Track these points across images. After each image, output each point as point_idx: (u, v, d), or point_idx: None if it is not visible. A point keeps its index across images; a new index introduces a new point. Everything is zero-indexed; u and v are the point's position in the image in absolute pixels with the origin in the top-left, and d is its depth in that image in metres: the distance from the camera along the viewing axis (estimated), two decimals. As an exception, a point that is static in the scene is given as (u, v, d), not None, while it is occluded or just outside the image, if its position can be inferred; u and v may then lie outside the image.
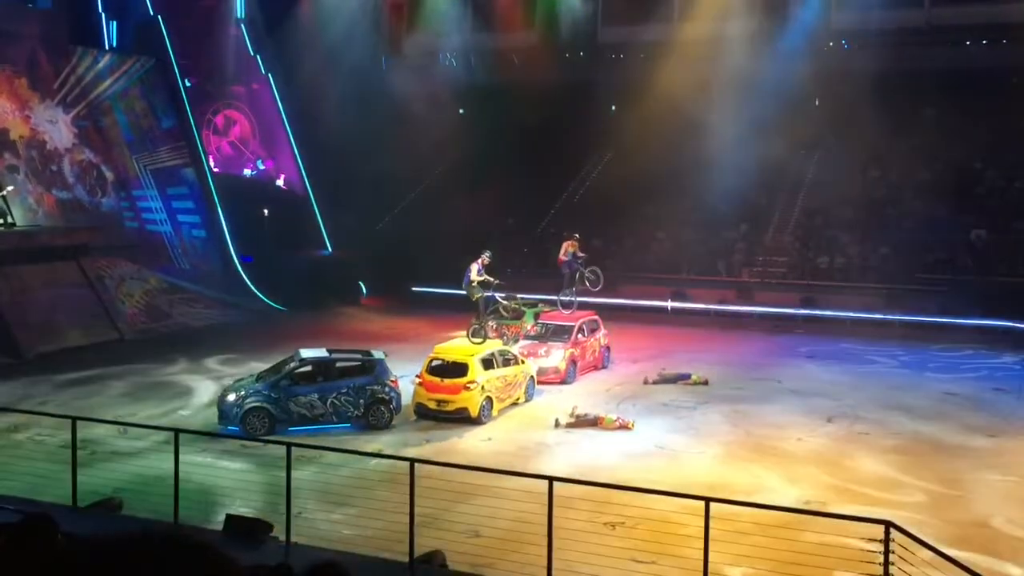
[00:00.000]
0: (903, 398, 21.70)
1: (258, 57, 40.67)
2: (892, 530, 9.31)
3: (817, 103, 37.66)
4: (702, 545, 9.76)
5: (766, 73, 36.61)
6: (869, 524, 9.74)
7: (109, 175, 33.70)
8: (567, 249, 23.62)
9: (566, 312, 24.25)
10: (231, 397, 18.65)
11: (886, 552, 9.27)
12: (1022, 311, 28.57)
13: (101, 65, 34.15)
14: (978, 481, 15.97)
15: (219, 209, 35.54)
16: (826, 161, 37.79)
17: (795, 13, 39.26)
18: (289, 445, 11.68)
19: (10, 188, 29.62)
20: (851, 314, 30.74)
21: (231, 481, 14.73)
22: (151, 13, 36.31)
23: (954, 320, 29.45)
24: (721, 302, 32.88)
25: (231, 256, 35.34)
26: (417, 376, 20.14)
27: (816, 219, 35.75)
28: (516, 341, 24.37)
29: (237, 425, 18.32)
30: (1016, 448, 17.94)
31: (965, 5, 37.07)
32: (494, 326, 23.47)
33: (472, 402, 19.23)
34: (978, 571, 9.33)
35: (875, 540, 9.44)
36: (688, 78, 37.05)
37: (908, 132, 36.78)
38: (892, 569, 9.30)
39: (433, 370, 19.90)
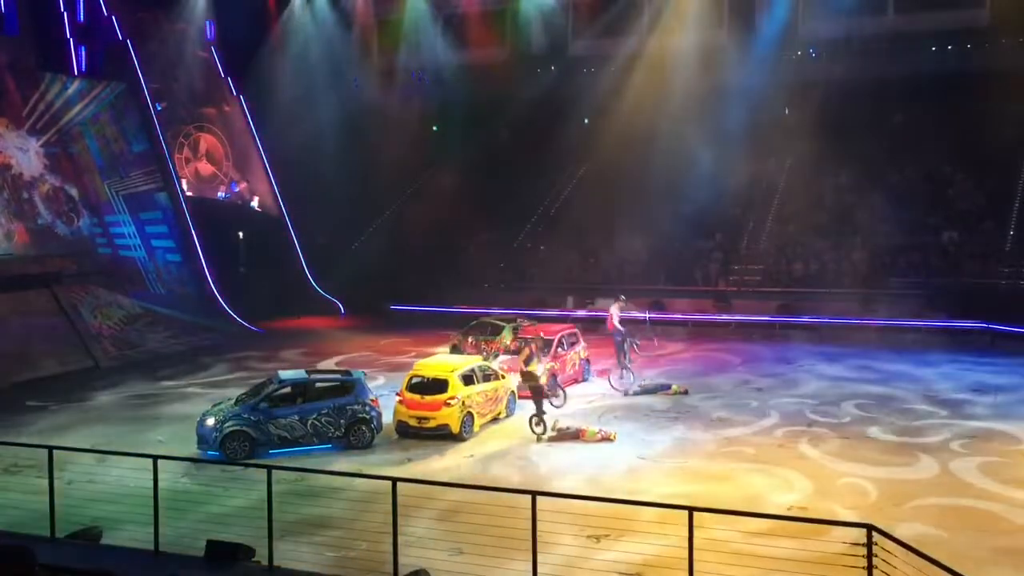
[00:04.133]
0: (886, 403, 21.83)
1: (229, 79, 40.57)
2: (875, 534, 9.36)
3: (787, 111, 38.05)
4: (686, 555, 9.78)
5: (736, 83, 37.00)
6: (852, 528, 9.79)
7: (81, 201, 33.45)
8: (616, 311, 23.87)
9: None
10: (210, 421, 18.49)
11: (869, 556, 9.32)
12: (994, 312, 28.86)
13: (70, 91, 33.93)
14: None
15: (193, 233, 35.35)
16: (798, 168, 38.14)
17: (763, 23, 39.67)
18: (270, 468, 11.62)
19: None
20: (827, 320, 30.96)
21: (212, 506, 14.61)
22: (120, 37, 36.10)
23: (928, 323, 29.74)
24: (699, 311, 33.02)
25: (206, 279, 35.13)
26: (397, 394, 20.09)
27: (790, 226, 36.03)
28: (496, 356, 24.34)
29: (217, 449, 18.16)
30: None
31: (928, 11, 37.56)
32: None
33: (453, 418, 19.18)
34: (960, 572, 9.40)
35: (858, 544, 9.49)
36: (660, 89, 37.35)
37: (877, 137, 37.27)
38: (875, 573, 9.35)
39: (413, 387, 19.83)
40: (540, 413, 19.45)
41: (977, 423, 19.82)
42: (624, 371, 23.79)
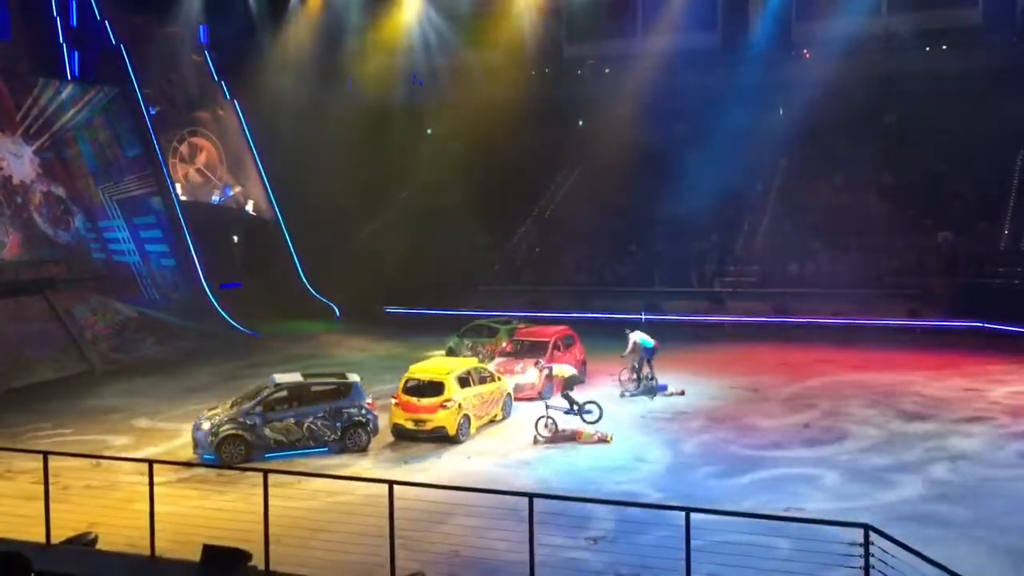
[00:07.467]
0: (882, 402, 21.86)
1: (222, 82, 40.50)
2: (871, 533, 9.35)
3: (781, 112, 38.12)
4: (684, 556, 9.76)
5: (730, 84, 37.03)
6: (849, 528, 9.78)
7: (75, 207, 33.36)
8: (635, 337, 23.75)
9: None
10: (205, 425, 18.44)
11: (866, 555, 9.31)
12: (989, 312, 28.89)
13: (64, 96, 33.83)
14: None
15: (188, 237, 35.28)
16: (792, 168, 38.20)
17: (756, 24, 39.74)
18: (266, 472, 11.58)
19: None
20: (822, 320, 30.94)
21: (208, 510, 14.54)
22: (113, 42, 36.04)
23: (924, 323, 29.76)
24: (694, 313, 32.97)
25: (201, 284, 35.06)
26: (394, 396, 20.05)
27: (785, 226, 36.04)
28: (492, 358, 24.31)
29: (212, 453, 18.11)
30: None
31: (921, 11, 37.67)
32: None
33: (449, 421, 19.15)
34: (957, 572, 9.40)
35: (855, 544, 9.48)
36: (653, 91, 37.39)
37: (871, 137, 37.33)
38: (872, 573, 9.33)
39: (409, 390, 19.80)
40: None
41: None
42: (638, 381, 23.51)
